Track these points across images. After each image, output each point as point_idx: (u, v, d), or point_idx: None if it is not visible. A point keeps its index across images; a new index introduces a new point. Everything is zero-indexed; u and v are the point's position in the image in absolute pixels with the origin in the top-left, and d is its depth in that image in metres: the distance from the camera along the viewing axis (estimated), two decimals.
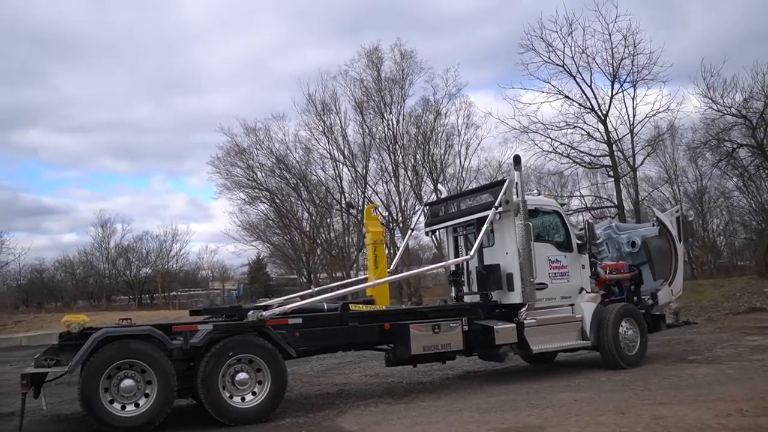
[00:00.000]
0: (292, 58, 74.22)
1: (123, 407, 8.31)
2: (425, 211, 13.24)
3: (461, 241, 12.08)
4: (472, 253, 10.79)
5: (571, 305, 11.28)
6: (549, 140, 27.96)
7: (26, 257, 70.21)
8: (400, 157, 37.37)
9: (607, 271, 12.29)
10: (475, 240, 10.81)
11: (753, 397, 7.88)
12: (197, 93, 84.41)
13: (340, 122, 38.62)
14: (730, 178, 34.30)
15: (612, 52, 27.43)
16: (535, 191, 12.86)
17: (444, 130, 37.22)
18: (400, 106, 37.59)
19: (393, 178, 37.49)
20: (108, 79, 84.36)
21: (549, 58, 27.81)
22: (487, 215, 10.81)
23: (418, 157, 37.01)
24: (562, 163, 29.44)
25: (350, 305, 10.35)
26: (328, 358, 15.19)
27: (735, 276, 30.74)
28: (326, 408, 9.40)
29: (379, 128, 37.58)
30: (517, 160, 11.07)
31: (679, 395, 8.33)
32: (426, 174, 36.42)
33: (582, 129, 28.08)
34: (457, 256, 12.08)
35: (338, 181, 40.15)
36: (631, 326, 11.39)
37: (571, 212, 29.72)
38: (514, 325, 10.49)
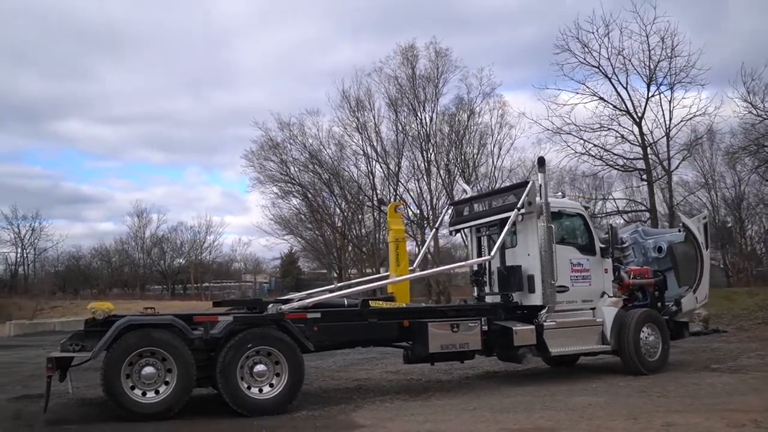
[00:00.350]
0: (328, 54, 74.69)
1: (144, 394, 8.55)
2: (450, 210, 13.29)
3: (484, 241, 12.09)
4: (492, 253, 10.81)
5: (593, 309, 11.23)
6: (582, 142, 27.69)
7: (64, 244, 71.94)
8: (433, 155, 37.41)
9: (631, 276, 12.19)
10: (499, 240, 10.82)
11: None
12: (234, 87, 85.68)
13: (374, 119, 38.83)
14: None
15: (649, 53, 27.12)
16: (560, 194, 12.80)
17: (477, 129, 37.20)
18: (434, 104, 37.66)
19: (425, 176, 37.53)
20: (147, 73, 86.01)
21: (585, 59, 27.61)
22: (510, 216, 10.83)
23: (450, 155, 36.98)
24: (595, 166, 29.11)
25: (370, 302, 10.46)
26: (351, 353, 15.34)
27: None
28: (343, 402, 9.52)
29: (413, 126, 37.67)
30: (541, 162, 11.04)
31: (695, 403, 8.25)
32: (458, 173, 36.35)
33: (616, 131, 27.76)
34: (479, 255, 12.11)
35: (371, 177, 40.34)
36: (652, 332, 11.29)
37: (603, 215, 29.42)
38: (533, 326, 10.49)
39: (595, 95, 27.71)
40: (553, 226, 10.66)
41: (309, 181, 41.72)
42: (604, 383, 10.34)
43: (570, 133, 27.62)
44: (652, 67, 27.11)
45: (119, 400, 8.40)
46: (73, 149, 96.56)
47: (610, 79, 27.65)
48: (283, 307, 9.23)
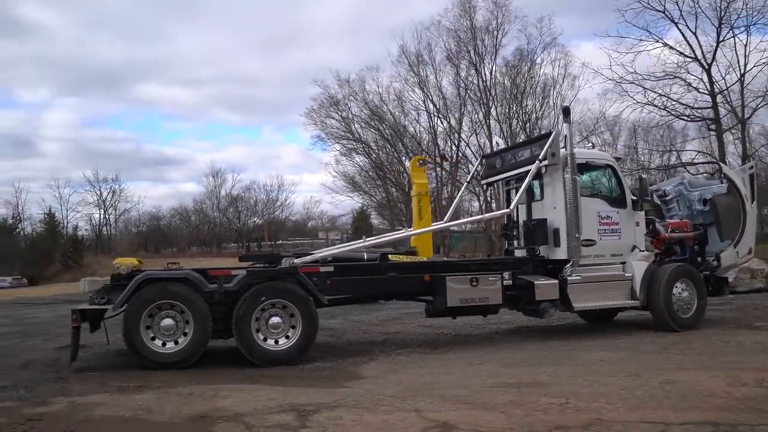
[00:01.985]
0: (397, 9, 73.59)
1: (164, 344, 8.94)
2: (482, 163, 13.04)
3: (513, 194, 11.83)
4: (511, 207, 10.59)
5: (623, 263, 10.85)
6: (645, 92, 26.38)
7: (144, 205, 75.33)
8: (493, 109, 36.59)
9: (669, 230, 11.69)
10: (518, 193, 10.57)
11: None
12: (306, 46, 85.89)
13: (435, 74, 38.20)
14: None
15: None
16: (590, 144, 12.32)
17: (539, 81, 36.07)
18: (494, 57, 36.68)
19: (485, 131, 36.83)
20: (221, 34, 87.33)
21: (649, 3, 26.13)
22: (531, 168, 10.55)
23: (512, 109, 36.09)
24: (662, 116, 27.74)
25: (390, 255, 10.47)
26: (396, 308, 15.52)
27: None
28: (361, 354, 9.65)
29: (472, 80, 36.86)
30: (566, 111, 10.64)
31: (709, 361, 7.91)
32: (519, 127, 35.51)
33: (683, 79, 26.30)
34: (509, 207, 11.88)
35: (432, 133, 39.95)
36: (687, 287, 10.82)
37: (667, 168, 28.21)
38: (556, 281, 10.25)
39: (659, 42, 26.28)
40: (577, 177, 10.30)
41: (372, 137, 41.73)
42: (631, 339, 10.05)
43: (633, 83, 26.36)
44: (723, 8, 25.38)
45: (138, 350, 8.81)
46: (154, 112, 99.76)
47: (676, 24, 26.15)
48: (295, 260, 9.36)
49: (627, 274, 10.72)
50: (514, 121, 36.20)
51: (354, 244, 11.40)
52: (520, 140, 34.19)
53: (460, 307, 10.05)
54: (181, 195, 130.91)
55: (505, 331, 12.03)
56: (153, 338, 8.95)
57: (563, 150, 10.41)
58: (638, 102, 26.41)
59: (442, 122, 38.73)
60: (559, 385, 6.86)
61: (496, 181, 12.38)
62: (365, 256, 10.42)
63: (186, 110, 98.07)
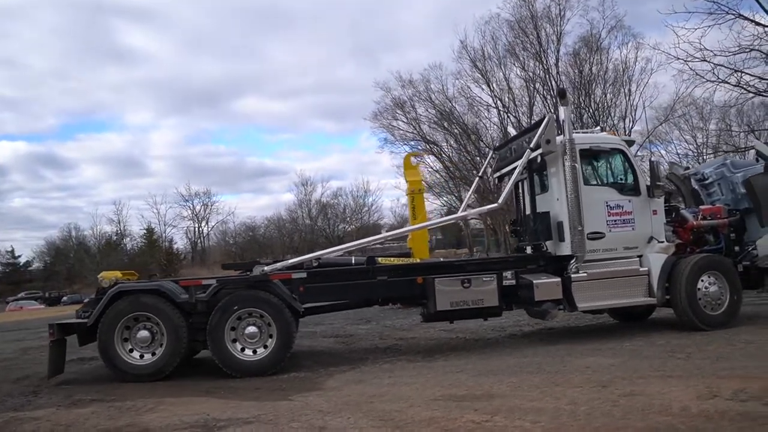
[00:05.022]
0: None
1: (141, 356, 8.86)
2: (493, 155, 12.21)
3: (521, 186, 10.99)
4: (500, 201, 9.74)
5: (639, 257, 9.77)
6: (718, 68, 24.15)
7: (239, 216, 77.88)
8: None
9: (700, 217, 10.48)
10: (508, 186, 9.75)
11: None
12: (394, 50, 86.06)
13: (501, 69, 36.92)
14: None
15: None
16: (598, 128, 11.24)
17: (606, 67, 33.98)
18: (557, 46, 34.98)
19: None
20: (313, 46, 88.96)
21: None
22: (534, 157, 9.72)
23: (580, 98, 34.27)
24: (741, 94, 25.35)
25: (380, 258, 9.94)
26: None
27: None
28: (347, 363, 9.21)
29: (539, 72, 35.36)
30: (561, 93, 9.75)
31: (706, 368, 6.84)
32: (589, 117, 33.67)
33: (760, 51, 23.90)
34: (516, 202, 11.05)
35: (503, 130, 38.72)
36: (716, 281, 9.61)
37: (744, 150, 25.91)
38: (558, 279, 9.35)
39: (730, 13, 24.04)
40: (577, 165, 9.36)
41: (442, 138, 40.99)
42: (641, 341, 9.00)
43: (704, 60, 24.24)
44: None
45: (112, 362, 8.76)
46: (253, 125, 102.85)
47: None
48: (266, 268, 9.01)
49: (643, 269, 9.62)
50: (583, 111, 34.25)
51: (354, 245, 10.84)
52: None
53: (453, 311, 9.36)
54: (278, 205, 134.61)
55: (524, 334, 11.17)
56: (131, 350, 8.88)
57: (561, 136, 9.50)
58: (709, 80, 24.21)
59: (509, 117, 37.43)
60: (506, 398, 6.12)
61: (506, 173, 11.54)
62: (353, 260, 9.95)
63: (283, 122, 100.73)
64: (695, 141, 35.51)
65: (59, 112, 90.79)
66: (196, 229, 78.94)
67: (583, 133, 10.30)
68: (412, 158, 12.33)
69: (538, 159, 9.71)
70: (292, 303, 8.90)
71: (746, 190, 10.47)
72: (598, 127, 11.57)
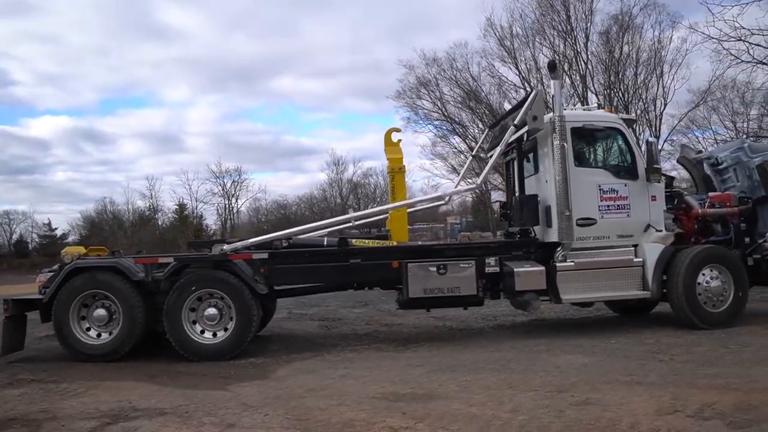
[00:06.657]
0: None
1: (99, 335, 8.47)
2: (488, 134, 11.45)
3: (512, 167, 10.23)
4: (479, 181, 9.05)
5: (635, 246, 8.98)
6: (762, 49, 22.70)
7: (272, 194, 77.86)
8: (589, 80, 33.51)
9: (707, 204, 9.62)
10: (487, 166, 9.03)
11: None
12: (431, 30, 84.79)
13: (530, 48, 35.57)
14: None
15: None
16: (595, 105, 10.36)
17: (638, 46, 32.34)
18: (587, 24, 33.42)
19: (582, 104, 33.84)
20: (349, 25, 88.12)
21: None
22: (523, 136, 9.00)
23: (610, 78, 32.83)
24: None
25: (354, 240, 9.35)
26: None
27: None
28: (312, 350, 8.74)
29: (567, 51, 33.96)
30: (551, 66, 9.00)
31: (686, 373, 6.12)
32: (618, 98, 32.24)
33: None
34: (507, 184, 10.30)
35: None
36: (719, 275, 8.76)
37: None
38: (542, 268, 8.63)
39: None
40: (567, 144, 8.57)
41: (468, 118, 39.85)
42: (628, 339, 8.24)
43: (741, 39, 22.84)
44: None
45: (66, 341, 8.42)
46: (290, 104, 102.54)
47: None
48: (225, 247, 8.50)
49: (637, 259, 8.82)
50: (612, 93, 32.77)
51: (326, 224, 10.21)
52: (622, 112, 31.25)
53: (427, 298, 8.73)
54: (312, 184, 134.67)
55: (513, 325, 10.48)
56: (88, 329, 8.52)
57: (549, 113, 8.73)
58: (744, 61, 22.83)
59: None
60: (446, 401, 5.50)
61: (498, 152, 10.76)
62: (325, 242, 9.36)
63: (320, 101, 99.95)
64: (734, 126, 33.79)
65: (99, 88, 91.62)
66: (227, 205, 79.28)
67: (576, 109, 9.47)
68: (394, 134, 11.60)
69: (526, 137, 8.96)
70: (253, 284, 8.38)
71: (760, 176, 9.56)
72: (595, 104, 10.65)
